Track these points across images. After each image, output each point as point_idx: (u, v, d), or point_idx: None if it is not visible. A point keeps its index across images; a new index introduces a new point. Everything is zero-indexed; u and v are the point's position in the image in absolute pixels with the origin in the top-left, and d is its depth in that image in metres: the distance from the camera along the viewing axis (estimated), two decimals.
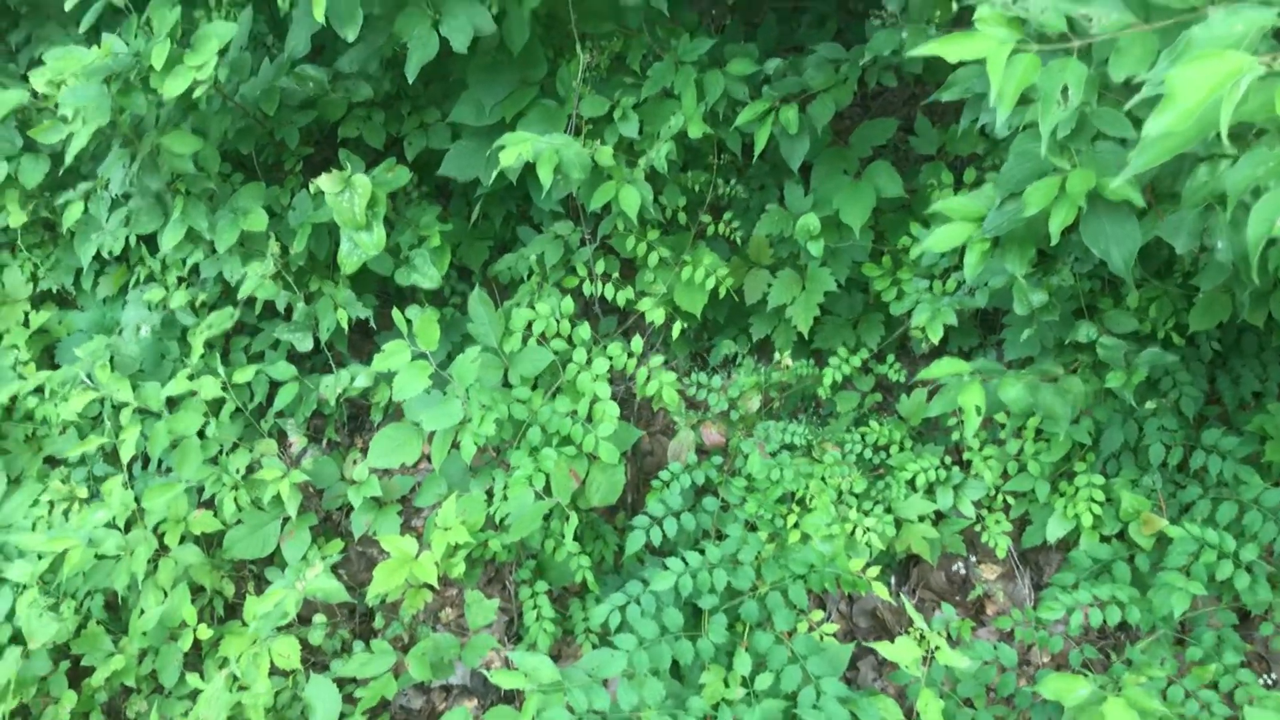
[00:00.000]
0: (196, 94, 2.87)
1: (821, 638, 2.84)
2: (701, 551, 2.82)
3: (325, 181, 3.02)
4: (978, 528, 3.23)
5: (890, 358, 3.42)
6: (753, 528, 3.03)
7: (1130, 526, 2.98)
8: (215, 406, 3.39)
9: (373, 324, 3.58)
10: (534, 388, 3.24)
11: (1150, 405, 3.00)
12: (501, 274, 3.70)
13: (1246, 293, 2.59)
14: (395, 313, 3.10)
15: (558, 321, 3.22)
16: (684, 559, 2.81)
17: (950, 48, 1.65)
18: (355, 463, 3.51)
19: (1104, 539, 3.05)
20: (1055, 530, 3.10)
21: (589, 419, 3.11)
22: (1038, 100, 1.88)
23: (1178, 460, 3.03)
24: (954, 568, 3.38)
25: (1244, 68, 1.17)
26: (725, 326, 3.69)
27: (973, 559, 3.39)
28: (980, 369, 2.68)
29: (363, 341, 3.92)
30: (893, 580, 3.37)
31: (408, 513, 3.62)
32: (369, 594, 3.09)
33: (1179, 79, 1.21)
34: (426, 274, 3.37)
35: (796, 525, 3.00)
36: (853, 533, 3.03)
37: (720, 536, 3.10)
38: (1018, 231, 2.21)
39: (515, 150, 2.87)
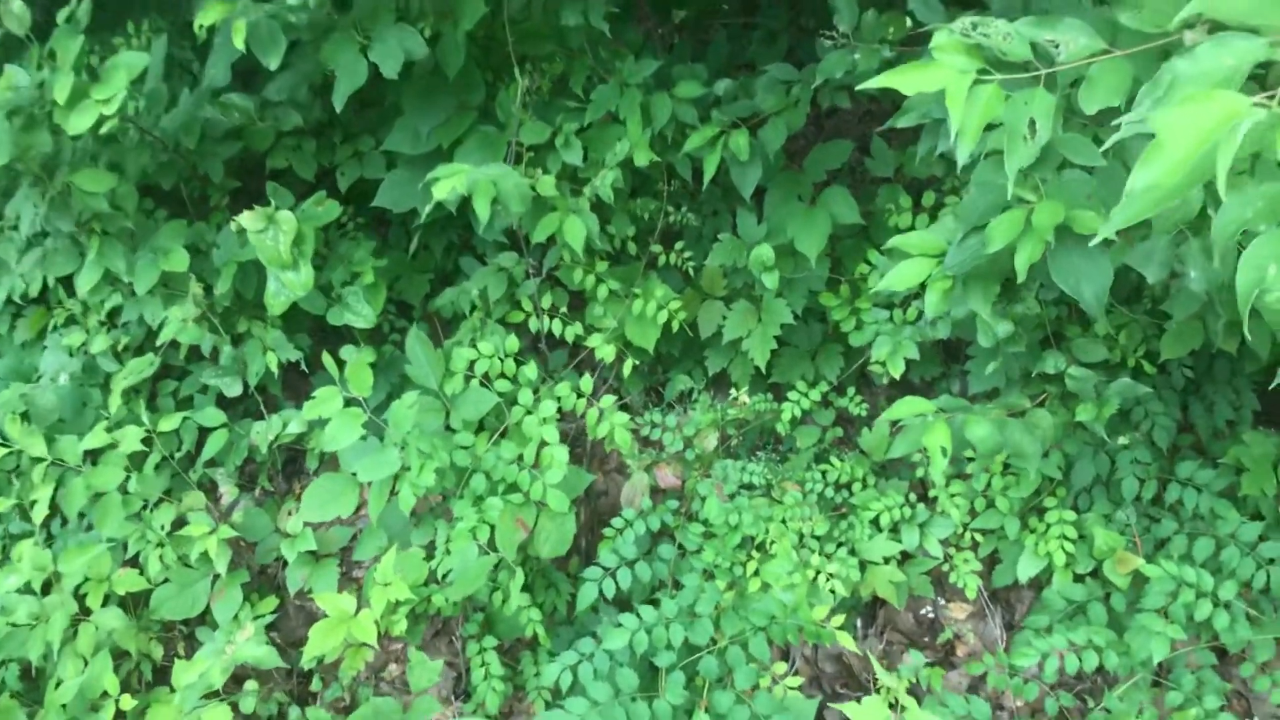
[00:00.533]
0: (104, 130, 2.68)
1: (785, 692, 2.68)
2: (656, 604, 2.66)
3: (247, 219, 2.84)
4: (945, 567, 3.09)
5: (851, 390, 3.27)
6: (710, 576, 2.87)
7: (1105, 564, 2.85)
8: (139, 458, 3.19)
9: (304, 366, 3.38)
10: (478, 431, 3.07)
11: (1124, 440, 2.87)
12: (443, 309, 3.52)
13: (1221, 322, 2.47)
14: (326, 357, 2.91)
15: (501, 361, 3.04)
16: (639, 614, 2.65)
17: (906, 79, 1.50)
18: (290, 513, 3.32)
19: (1077, 578, 2.92)
20: (1027, 569, 2.96)
21: (536, 464, 2.94)
22: (1003, 133, 1.75)
23: (1152, 494, 2.91)
24: (922, 610, 3.24)
25: (1241, 111, 1.02)
26: (680, 360, 3.54)
27: (941, 601, 3.24)
28: (945, 406, 2.54)
29: (299, 381, 3.72)
30: (858, 624, 3.22)
31: (347, 563, 3.43)
32: (304, 656, 2.90)
33: (1167, 125, 1.06)
34: (360, 313, 3.19)
35: (757, 573, 2.84)
36: (815, 579, 2.88)
37: (677, 585, 2.94)
38: (981, 268, 2.06)
39: (449, 183, 2.71)
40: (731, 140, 3.00)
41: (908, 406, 2.48)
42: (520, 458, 2.94)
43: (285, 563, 3.24)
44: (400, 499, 2.85)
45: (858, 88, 1.59)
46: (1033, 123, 1.51)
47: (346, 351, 3.28)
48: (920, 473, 3.10)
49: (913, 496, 3.10)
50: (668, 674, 2.63)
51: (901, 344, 2.89)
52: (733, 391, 3.19)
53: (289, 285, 2.91)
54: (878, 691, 3.04)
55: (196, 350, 3.30)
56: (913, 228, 3.20)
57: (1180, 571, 2.68)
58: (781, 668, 2.71)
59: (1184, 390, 3.05)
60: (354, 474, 3.00)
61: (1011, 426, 2.65)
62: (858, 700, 3.13)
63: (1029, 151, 1.53)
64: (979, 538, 3.07)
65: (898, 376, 2.90)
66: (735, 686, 2.57)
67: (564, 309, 3.33)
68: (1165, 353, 2.78)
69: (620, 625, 2.63)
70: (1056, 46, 1.51)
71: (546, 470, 2.88)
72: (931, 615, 3.24)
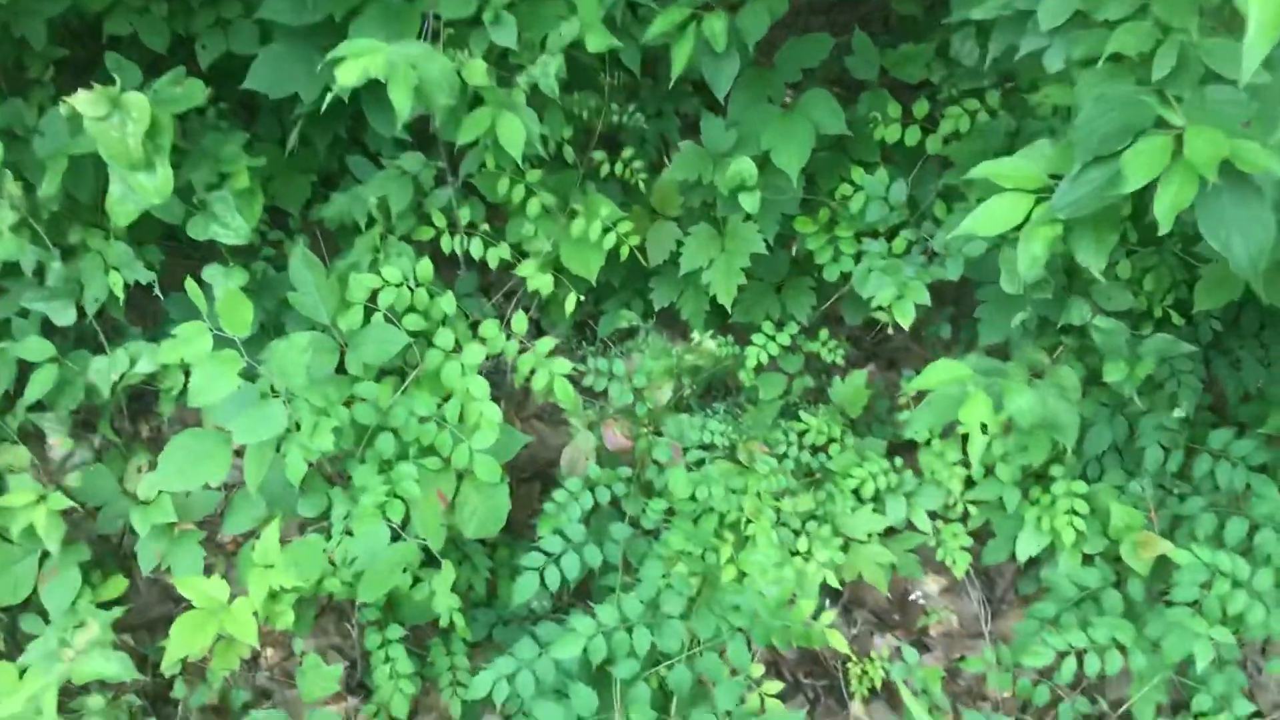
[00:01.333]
0: None
1: (763, 702, 2.24)
2: (591, 593, 2.18)
3: (85, 102, 2.15)
4: (932, 543, 2.68)
5: (824, 333, 2.80)
6: (673, 563, 2.39)
7: (1123, 546, 2.47)
8: None
9: (157, 291, 2.70)
10: (380, 378, 2.48)
11: (1180, 413, 2.47)
12: (330, 219, 2.87)
13: None
14: (190, 284, 2.26)
15: (412, 291, 2.46)
16: (594, 614, 2.16)
17: None
18: (140, 470, 2.68)
19: (1085, 559, 2.54)
20: (1027, 546, 2.57)
21: (460, 420, 2.38)
22: (1129, 31, 1.26)
23: (1177, 466, 2.54)
24: (899, 586, 2.84)
25: None
26: (618, 291, 2.99)
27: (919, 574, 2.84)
28: (978, 369, 2.09)
29: (147, 301, 3.01)
30: (827, 603, 2.80)
31: (213, 528, 2.82)
32: (165, 661, 2.32)
33: None
34: (230, 225, 2.53)
35: (731, 560, 2.36)
36: (801, 567, 2.43)
37: (629, 569, 2.45)
38: (1102, 211, 1.59)
39: (359, 65, 2.09)
40: (706, 26, 2.44)
41: (940, 372, 2.02)
42: (439, 408, 2.38)
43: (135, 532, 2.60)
44: (288, 466, 2.26)
45: None
46: None
47: (210, 273, 2.63)
48: (907, 434, 2.65)
49: (898, 461, 2.66)
50: (628, 689, 2.16)
51: (910, 286, 2.42)
52: (695, 336, 2.68)
53: (140, 190, 2.25)
54: (849, 683, 2.66)
55: (15, 267, 2.58)
56: (902, 141, 2.73)
57: (1214, 558, 2.32)
58: (758, 670, 2.26)
59: (1207, 345, 2.67)
60: (226, 431, 2.38)
61: (1046, 392, 2.23)
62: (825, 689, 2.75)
63: None
64: (972, 509, 2.66)
65: (907, 327, 2.43)
66: (717, 706, 2.11)
67: (484, 225, 2.75)
68: (1199, 304, 2.39)
69: (573, 630, 2.13)
70: None
71: (473, 432, 2.33)
72: (905, 590, 2.85)
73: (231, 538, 2.89)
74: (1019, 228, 1.66)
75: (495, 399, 2.49)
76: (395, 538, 2.27)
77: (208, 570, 2.63)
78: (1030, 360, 2.42)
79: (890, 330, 2.54)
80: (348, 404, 2.34)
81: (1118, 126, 1.53)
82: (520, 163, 2.42)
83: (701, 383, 2.84)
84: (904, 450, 2.75)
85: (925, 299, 2.43)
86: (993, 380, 2.07)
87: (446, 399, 2.41)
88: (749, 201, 2.48)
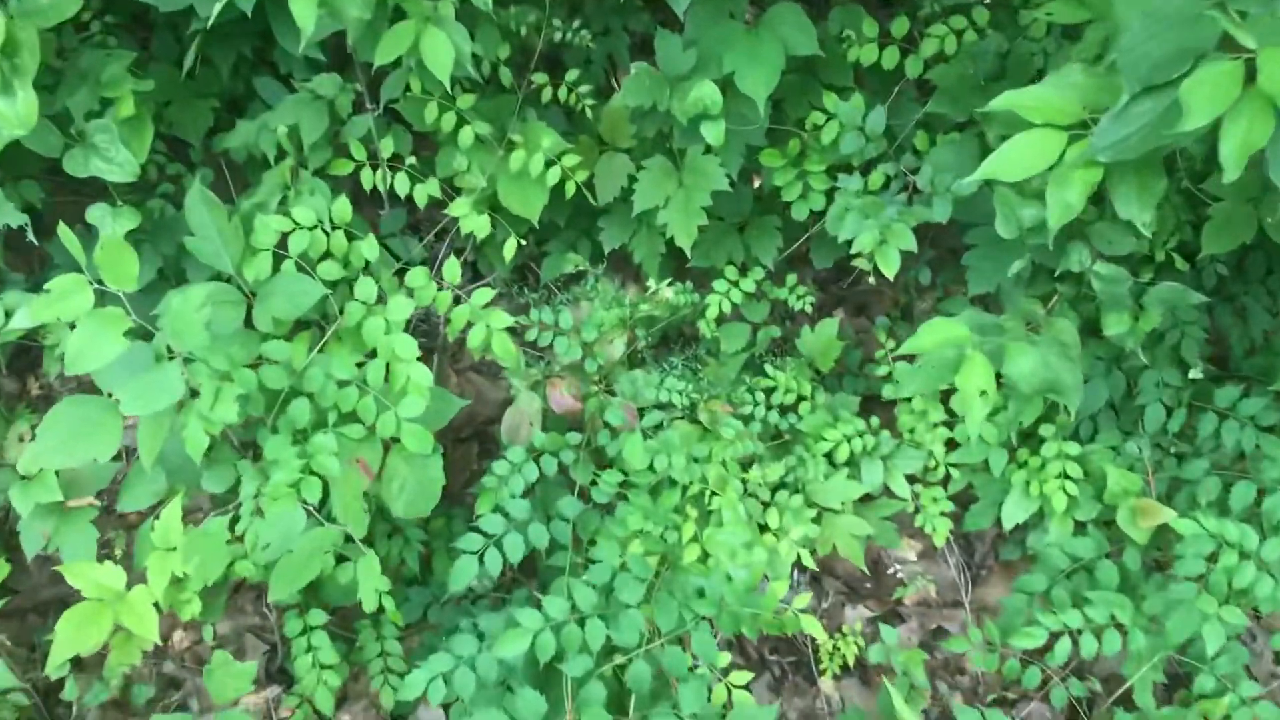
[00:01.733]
0: None
1: (730, 694, 2.02)
2: (534, 572, 1.94)
3: None
4: (910, 509, 2.45)
5: (791, 278, 2.54)
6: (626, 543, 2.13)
7: (1120, 513, 2.26)
8: None
9: (30, 236, 2.35)
10: (293, 334, 2.18)
11: (1195, 373, 2.25)
12: (235, 151, 2.54)
13: None
14: (63, 229, 1.94)
15: (328, 234, 2.16)
16: (542, 606, 1.91)
17: None
18: (22, 439, 2.37)
19: (1078, 525, 2.33)
20: (1014, 513, 2.35)
21: (386, 380, 2.09)
22: None
23: (1179, 425, 2.33)
24: (875, 554, 2.63)
25: None
26: (563, 230, 2.69)
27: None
28: (974, 326, 1.85)
29: (26, 244, 2.67)
30: (795, 574, 2.58)
31: (112, 497, 2.52)
32: (50, 661, 2.04)
33: None
34: (115, 160, 2.19)
35: (695, 539, 2.11)
36: (772, 545, 2.19)
37: (579, 545, 2.19)
38: (1151, 152, 1.32)
39: None
40: None
41: (936, 333, 1.77)
42: (360, 369, 2.09)
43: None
44: (187, 440, 1.97)
45: None
46: None
47: (96, 214, 2.29)
48: (889, 393, 2.41)
49: (875, 421, 2.42)
50: (579, 688, 1.91)
51: (892, 229, 2.15)
52: (650, 282, 2.40)
53: (1, 118, 1.91)
54: (819, 660, 2.45)
55: None
56: (878, 65, 2.45)
57: (1220, 528, 2.12)
58: (724, 659, 2.04)
59: (1210, 292, 2.44)
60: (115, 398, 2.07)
61: (1048, 351, 1.99)
62: (793, 666, 2.55)
63: None
64: (954, 472, 2.44)
65: (891, 275, 2.16)
66: (680, 706, 1.88)
67: (411, 158, 2.43)
68: (1207, 247, 2.18)
69: (518, 624, 1.88)
70: None
71: (399, 396, 2.04)
72: (879, 557, 2.64)
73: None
74: (1047, 170, 1.40)
75: (427, 351, 2.22)
76: (313, 523, 1.99)
77: (105, 547, 2.36)
78: (1025, 312, 2.18)
79: (873, 279, 2.27)
80: (255, 366, 2.05)
81: (1173, 50, 1.26)
82: (450, 86, 2.11)
83: (657, 335, 2.57)
84: (879, 406, 2.52)
85: (911, 244, 2.16)
86: (991, 340, 1.83)
87: (370, 358, 2.12)
88: (712, 132, 2.19)
